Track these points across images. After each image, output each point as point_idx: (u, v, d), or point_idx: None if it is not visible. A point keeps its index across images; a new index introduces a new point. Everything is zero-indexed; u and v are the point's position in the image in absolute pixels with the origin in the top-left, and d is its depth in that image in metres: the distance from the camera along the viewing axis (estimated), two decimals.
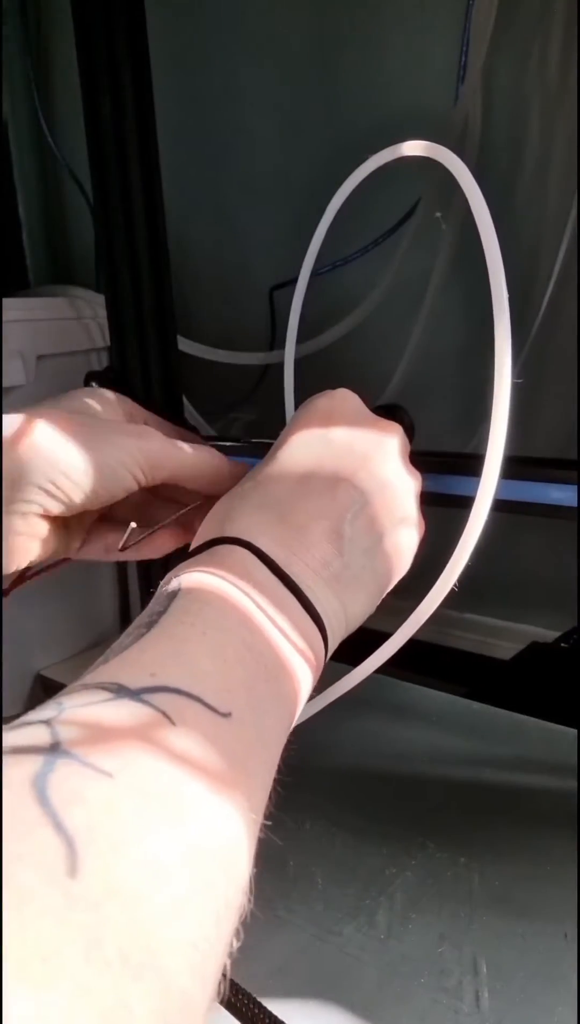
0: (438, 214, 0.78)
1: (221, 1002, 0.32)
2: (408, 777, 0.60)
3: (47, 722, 0.21)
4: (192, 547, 0.35)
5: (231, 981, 0.32)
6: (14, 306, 0.85)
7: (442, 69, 0.78)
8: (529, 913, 0.46)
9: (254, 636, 0.29)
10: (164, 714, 0.22)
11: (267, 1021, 0.31)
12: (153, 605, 0.30)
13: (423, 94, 0.82)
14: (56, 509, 0.40)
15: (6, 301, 0.84)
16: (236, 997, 0.32)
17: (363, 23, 0.84)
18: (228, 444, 0.57)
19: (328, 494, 0.36)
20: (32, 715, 0.22)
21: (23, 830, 0.17)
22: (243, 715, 0.26)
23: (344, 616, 0.35)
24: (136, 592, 1.05)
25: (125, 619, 1.11)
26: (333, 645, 0.35)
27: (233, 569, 0.31)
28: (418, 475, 0.41)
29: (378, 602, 0.38)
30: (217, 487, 0.44)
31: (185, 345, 0.90)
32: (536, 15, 0.75)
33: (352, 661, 0.39)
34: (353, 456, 0.38)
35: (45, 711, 0.22)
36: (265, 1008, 0.31)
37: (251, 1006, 0.31)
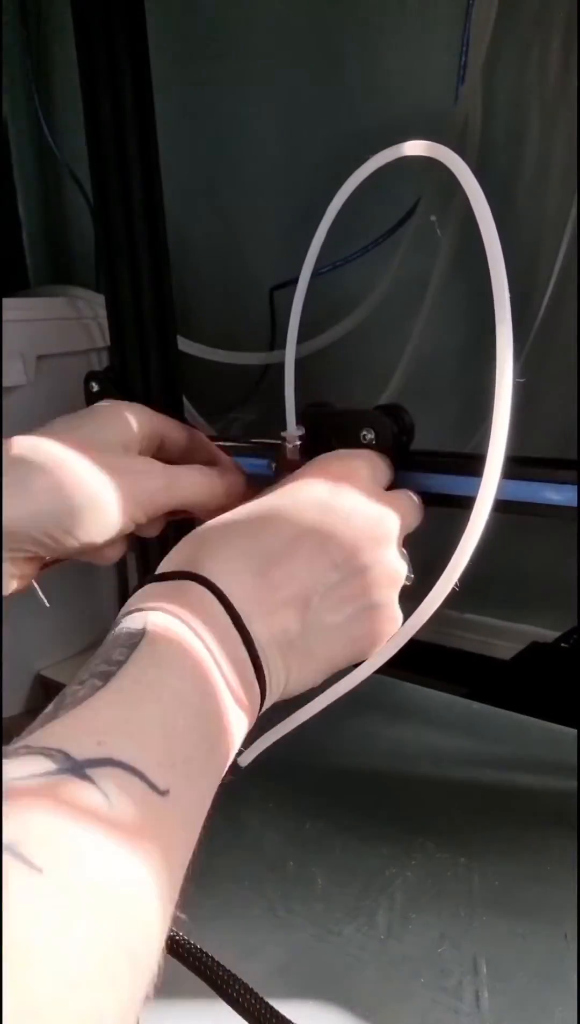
0: (432, 218, 0.78)
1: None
2: (408, 777, 0.60)
3: None
4: (163, 567, 0.35)
5: (237, 978, 0.32)
6: (14, 306, 0.85)
7: (442, 69, 0.78)
8: (529, 913, 0.46)
9: (206, 701, 0.29)
10: (104, 795, 0.22)
11: (273, 1019, 0.31)
12: (113, 645, 0.29)
13: (423, 94, 0.82)
14: (48, 555, 0.41)
15: (6, 301, 0.84)
16: (241, 995, 0.32)
17: (363, 23, 0.84)
18: (228, 444, 0.57)
19: (310, 562, 0.35)
20: None
21: None
22: (179, 792, 0.25)
23: (284, 684, 0.35)
24: None
25: None
26: (264, 708, 0.34)
27: (200, 616, 0.31)
28: (406, 563, 0.40)
29: (323, 679, 0.37)
30: (218, 510, 0.45)
31: (185, 345, 0.90)
32: (536, 15, 0.75)
33: None
34: (349, 532, 0.37)
35: None
36: (270, 1006, 0.31)
37: (256, 1004, 0.32)
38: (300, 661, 0.35)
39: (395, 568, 0.39)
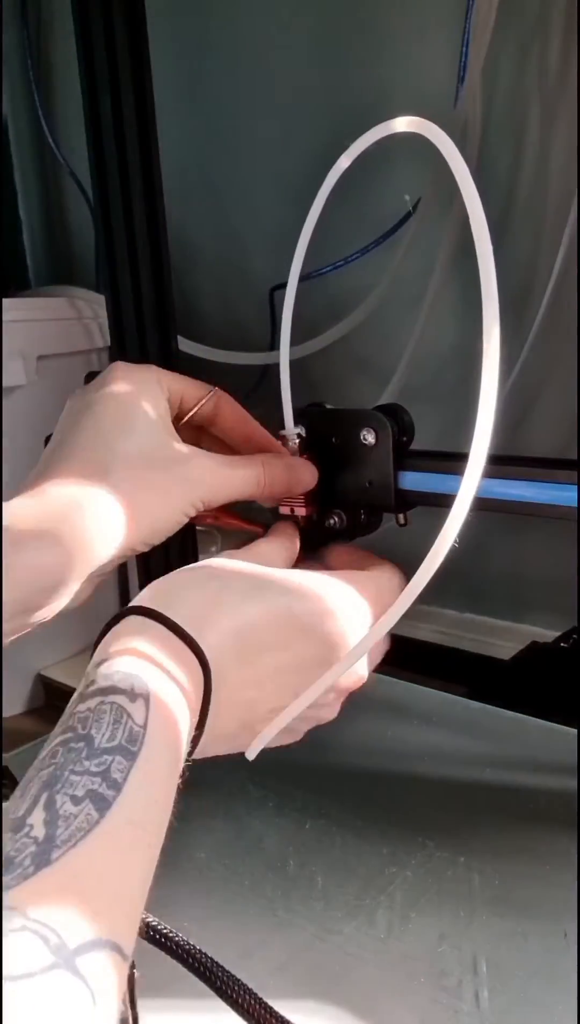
0: (406, 196, 0.78)
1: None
2: (408, 777, 0.60)
3: None
4: (160, 591, 0.35)
5: (237, 979, 0.32)
6: (14, 306, 0.85)
7: (442, 69, 0.78)
8: (529, 913, 0.46)
9: (168, 801, 0.29)
10: (91, 992, 0.23)
11: (272, 1019, 0.31)
12: (109, 755, 0.28)
13: (423, 94, 0.82)
14: (112, 567, 0.41)
15: (6, 301, 0.84)
16: (241, 995, 0.32)
17: (363, 24, 0.84)
18: None
19: (299, 673, 0.36)
20: None
21: None
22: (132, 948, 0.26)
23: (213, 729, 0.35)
24: (136, 592, 1.05)
25: None
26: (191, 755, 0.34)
27: (188, 696, 0.32)
28: (365, 674, 0.41)
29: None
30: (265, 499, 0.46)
31: (185, 345, 0.90)
32: (536, 15, 0.75)
33: None
34: (336, 653, 0.37)
35: None
36: (269, 1006, 0.31)
37: (254, 1004, 0.32)
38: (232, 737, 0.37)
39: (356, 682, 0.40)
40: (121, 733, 0.28)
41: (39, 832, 0.25)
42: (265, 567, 0.38)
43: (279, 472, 0.46)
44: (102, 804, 0.26)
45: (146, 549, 0.41)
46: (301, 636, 0.36)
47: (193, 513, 0.42)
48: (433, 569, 0.33)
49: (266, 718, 0.36)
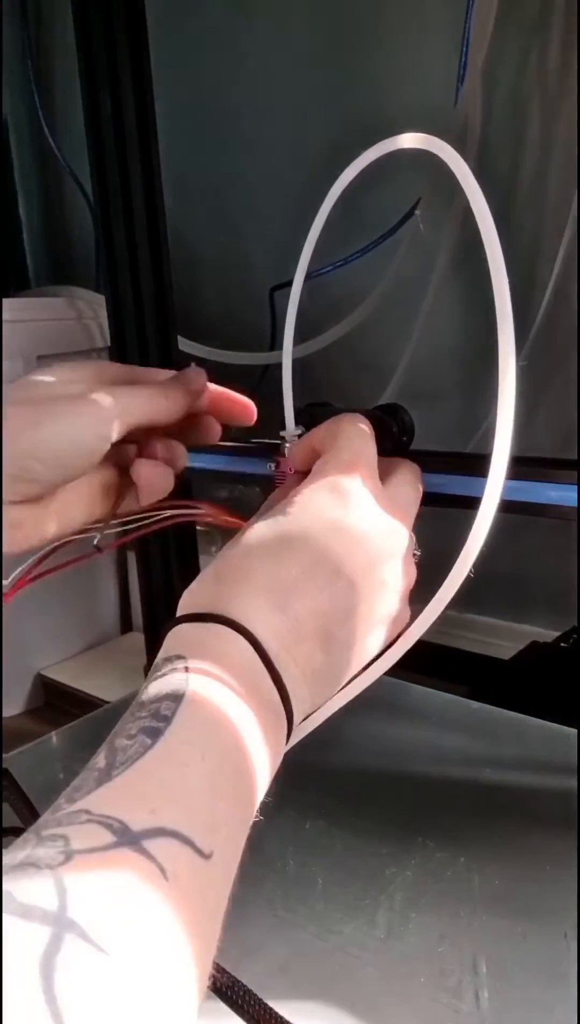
0: (417, 212, 0.78)
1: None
2: (408, 777, 0.60)
3: (53, 870, 0.22)
4: (189, 606, 0.35)
5: (235, 979, 0.32)
6: (14, 306, 0.85)
7: (442, 69, 0.78)
8: (529, 913, 0.46)
9: (242, 757, 0.30)
10: (160, 868, 0.24)
11: (271, 1020, 0.31)
12: (158, 698, 0.30)
13: (423, 94, 0.82)
14: (34, 491, 0.40)
15: (6, 301, 0.84)
16: (240, 995, 0.32)
17: (363, 24, 0.84)
18: (228, 444, 0.57)
19: (328, 590, 0.35)
20: (34, 850, 0.23)
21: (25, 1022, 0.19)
22: (222, 853, 0.27)
23: (309, 709, 0.36)
24: (136, 592, 1.05)
25: (125, 619, 1.11)
26: (290, 743, 0.35)
27: (235, 665, 0.32)
28: (414, 572, 0.40)
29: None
30: (181, 418, 0.45)
31: (185, 345, 0.90)
32: (536, 15, 0.75)
33: None
34: (361, 553, 0.37)
35: (48, 849, 0.23)
36: (268, 1006, 0.31)
37: (254, 1004, 0.32)
38: (325, 686, 0.36)
39: (409, 577, 0.39)
40: (167, 686, 0.30)
41: (100, 763, 0.27)
42: (283, 520, 0.38)
43: (176, 379, 0.46)
44: (154, 734, 0.28)
45: (73, 475, 0.41)
46: (337, 578, 0.36)
47: (108, 432, 0.41)
48: (463, 574, 0.34)
49: (346, 627, 0.36)
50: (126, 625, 1.12)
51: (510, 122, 0.78)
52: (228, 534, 0.40)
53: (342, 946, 0.45)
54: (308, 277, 0.48)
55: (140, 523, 0.49)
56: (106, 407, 0.41)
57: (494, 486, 0.35)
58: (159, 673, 0.31)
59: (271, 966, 0.44)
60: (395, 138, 0.38)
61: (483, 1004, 0.41)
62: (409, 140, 0.37)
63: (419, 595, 0.39)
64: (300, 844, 0.53)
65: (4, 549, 0.41)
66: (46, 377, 0.44)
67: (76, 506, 0.45)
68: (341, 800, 0.57)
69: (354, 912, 0.48)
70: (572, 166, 0.74)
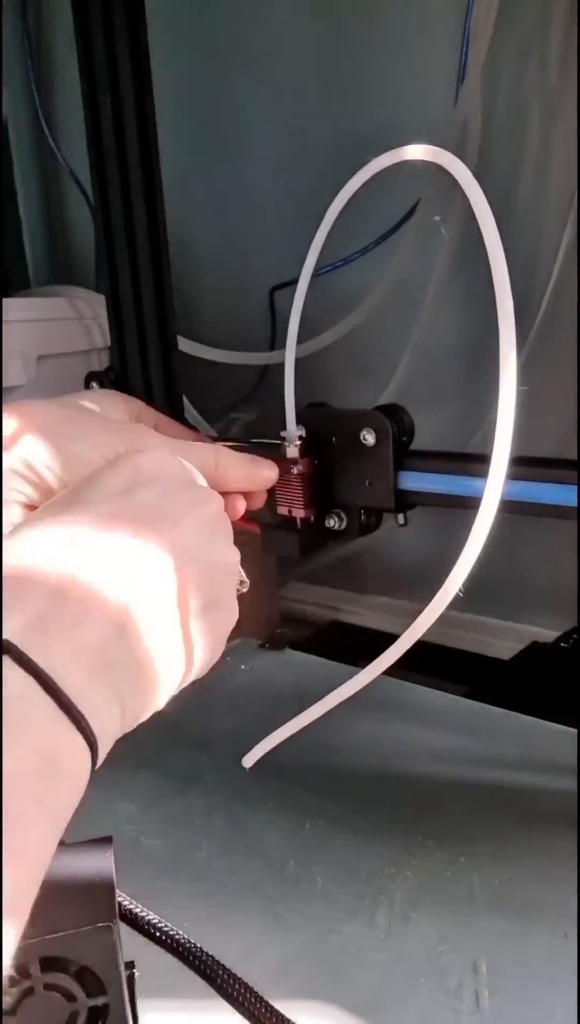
0: (437, 218, 0.78)
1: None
2: (408, 777, 0.60)
3: None
4: None
5: (237, 978, 0.32)
6: (14, 306, 0.85)
7: (442, 70, 0.78)
8: (529, 913, 0.46)
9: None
10: None
11: (273, 1018, 0.31)
12: None
13: (423, 95, 0.82)
14: (37, 497, 0.39)
15: (6, 301, 0.84)
16: (242, 994, 0.32)
17: (363, 24, 0.84)
18: (229, 444, 0.57)
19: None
20: None
21: None
22: None
23: (120, 717, 0.27)
24: None
25: None
26: (103, 752, 0.27)
27: None
28: (238, 552, 0.35)
29: (166, 699, 0.30)
30: (218, 485, 0.42)
31: (185, 345, 0.90)
32: (536, 15, 0.75)
33: (353, 662, 0.39)
34: (162, 518, 0.31)
35: None
36: (270, 1004, 0.31)
37: (254, 1001, 0.32)
38: (134, 682, 0.28)
39: (230, 552, 0.35)
40: None
41: None
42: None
43: (235, 461, 0.43)
44: None
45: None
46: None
47: None
48: (464, 573, 0.34)
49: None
50: None
51: (510, 122, 0.78)
52: None
53: (342, 946, 0.45)
54: None
55: None
56: (135, 442, 0.39)
57: (494, 488, 0.35)
58: None
59: (271, 966, 0.44)
60: (401, 149, 0.38)
61: (483, 1004, 0.41)
62: (415, 152, 0.37)
63: (420, 595, 0.39)
64: (300, 844, 0.53)
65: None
66: (91, 404, 0.42)
67: None
68: (341, 800, 0.57)
69: (354, 912, 0.48)
70: (572, 166, 0.74)
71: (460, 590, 0.36)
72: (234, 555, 0.35)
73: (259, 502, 0.47)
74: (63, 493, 0.33)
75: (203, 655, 0.32)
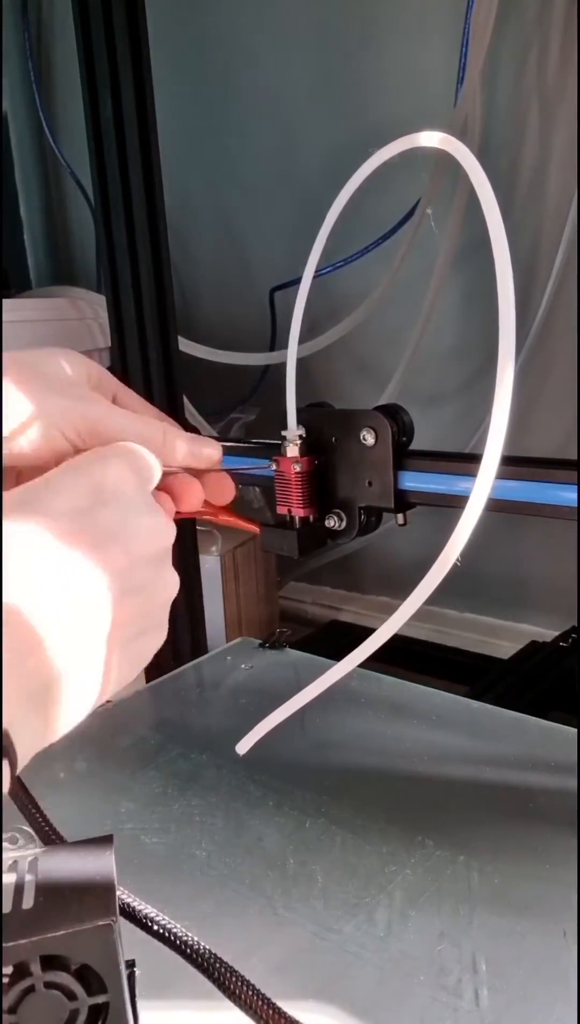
0: (428, 211, 0.78)
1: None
2: (408, 776, 0.60)
3: None
4: None
5: (236, 972, 0.32)
6: (14, 306, 0.85)
7: (442, 70, 0.78)
8: (528, 911, 0.46)
9: None
10: None
11: (272, 1013, 0.31)
12: None
13: (423, 95, 0.82)
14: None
15: (6, 301, 0.84)
16: (240, 988, 0.32)
17: (363, 25, 0.85)
18: (229, 444, 0.57)
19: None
20: None
21: None
22: None
23: (44, 739, 0.28)
24: None
25: None
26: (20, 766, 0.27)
27: None
28: (177, 577, 0.35)
29: (79, 720, 0.30)
30: (164, 460, 0.40)
31: (185, 345, 0.90)
32: (535, 16, 0.75)
33: (335, 656, 0.38)
34: (115, 543, 0.31)
35: None
36: (270, 1000, 0.32)
37: (254, 996, 0.32)
38: (40, 701, 0.28)
39: (172, 580, 0.34)
40: None
41: None
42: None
43: (181, 438, 0.42)
44: None
45: (22, 461, 0.37)
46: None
47: (72, 435, 0.38)
48: (443, 573, 0.33)
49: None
50: None
51: (510, 122, 0.78)
52: (227, 533, 0.39)
53: (342, 945, 0.45)
54: None
55: None
56: (89, 411, 0.38)
57: (485, 479, 0.35)
58: None
59: (271, 964, 0.44)
60: (413, 136, 0.38)
61: (482, 1002, 0.41)
62: (427, 139, 0.37)
63: (406, 591, 0.39)
64: (300, 843, 0.53)
65: None
66: (62, 365, 0.41)
67: None
68: (340, 799, 0.57)
69: (354, 911, 0.48)
70: (572, 166, 0.74)
71: (458, 560, 0.35)
72: (175, 580, 0.35)
73: (228, 495, 0.46)
74: (26, 487, 0.32)
75: (123, 679, 0.32)
